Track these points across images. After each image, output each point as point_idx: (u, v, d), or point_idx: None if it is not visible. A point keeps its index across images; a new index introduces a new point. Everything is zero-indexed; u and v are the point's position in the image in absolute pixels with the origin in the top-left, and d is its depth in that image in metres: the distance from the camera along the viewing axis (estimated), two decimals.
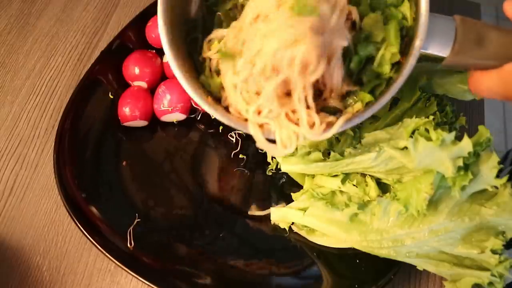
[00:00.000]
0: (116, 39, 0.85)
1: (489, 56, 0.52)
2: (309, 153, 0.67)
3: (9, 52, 0.95)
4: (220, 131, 0.82)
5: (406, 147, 0.56)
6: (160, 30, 0.55)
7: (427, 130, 0.55)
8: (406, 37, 0.54)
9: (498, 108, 1.65)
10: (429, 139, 0.54)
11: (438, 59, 0.53)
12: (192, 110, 0.81)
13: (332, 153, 0.66)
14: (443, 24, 0.51)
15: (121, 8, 1.01)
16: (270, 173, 0.78)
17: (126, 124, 0.80)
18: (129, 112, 0.79)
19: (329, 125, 0.51)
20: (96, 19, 1.00)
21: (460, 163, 0.54)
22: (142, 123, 0.81)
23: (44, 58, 0.94)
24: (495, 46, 0.50)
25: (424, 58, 0.53)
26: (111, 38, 0.87)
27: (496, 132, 1.63)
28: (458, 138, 0.55)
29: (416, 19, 0.51)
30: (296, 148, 0.62)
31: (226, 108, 0.55)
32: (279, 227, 0.71)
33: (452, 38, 0.51)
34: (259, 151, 0.78)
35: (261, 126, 0.52)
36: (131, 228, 0.70)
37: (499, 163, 0.57)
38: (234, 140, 0.81)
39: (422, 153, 0.54)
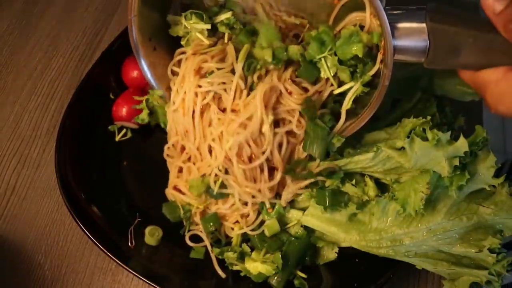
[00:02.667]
0: (117, 40, 0.86)
1: (466, 64, 0.52)
2: None
3: (11, 53, 0.95)
4: None
5: (403, 147, 0.57)
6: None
7: (424, 130, 0.55)
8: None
9: None
10: (425, 139, 0.54)
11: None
12: None
13: (331, 153, 0.66)
14: (415, 33, 0.52)
15: (122, 9, 1.01)
16: None
17: (118, 123, 0.81)
18: (119, 113, 0.80)
19: None
20: (97, 20, 1.00)
21: (456, 162, 0.54)
22: (132, 125, 0.81)
23: (46, 58, 0.95)
24: (471, 54, 0.50)
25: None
26: (112, 39, 0.87)
27: (494, 131, 1.63)
28: (457, 138, 0.55)
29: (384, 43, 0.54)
30: None
31: None
32: None
33: (425, 48, 0.52)
34: None
35: None
36: (132, 227, 0.71)
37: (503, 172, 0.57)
38: None
39: (418, 152, 0.55)
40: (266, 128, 0.63)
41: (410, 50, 0.53)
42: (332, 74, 0.63)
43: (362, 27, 0.61)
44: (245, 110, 0.63)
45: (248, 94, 0.64)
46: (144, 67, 0.70)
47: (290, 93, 0.64)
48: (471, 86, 0.54)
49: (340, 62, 0.61)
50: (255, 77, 0.64)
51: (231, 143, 0.63)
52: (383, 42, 0.56)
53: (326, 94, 0.65)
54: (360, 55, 0.59)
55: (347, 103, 0.63)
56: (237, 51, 0.65)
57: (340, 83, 0.64)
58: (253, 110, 0.62)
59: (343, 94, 0.64)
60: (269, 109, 0.63)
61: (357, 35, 0.59)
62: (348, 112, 0.64)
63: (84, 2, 1.03)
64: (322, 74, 0.63)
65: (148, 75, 0.71)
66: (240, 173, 0.65)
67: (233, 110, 0.65)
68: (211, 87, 0.64)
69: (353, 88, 0.62)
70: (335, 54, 0.61)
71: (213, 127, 0.66)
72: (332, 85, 0.64)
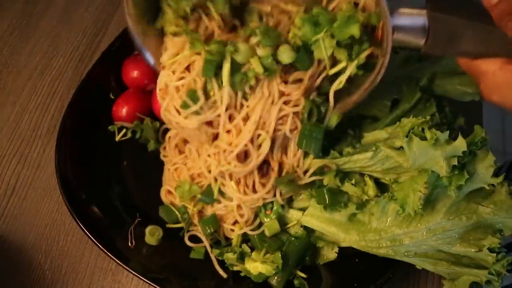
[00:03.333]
0: (117, 39, 0.86)
1: (464, 52, 0.52)
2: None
3: (11, 53, 0.96)
4: None
5: (402, 147, 0.57)
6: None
7: (422, 130, 0.55)
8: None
9: (496, 107, 1.64)
10: (423, 138, 0.54)
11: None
12: None
13: (331, 152, 0.66)
14: (415, 21, 0.52)
15: (122, 9, 1.00)
16: None
17: (118, 123, 0.81)
18: (119, 113, 0.80)
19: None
20: (97, 20, 1.00)
21: (455, 162, 0.54)
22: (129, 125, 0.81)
23: (46, 58, 0.95)
24: (470, 43, 0.51)
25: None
26: (112, 38, 0.87)
27: (494, 132, 1.63)
28: (456, 138, 0.55)
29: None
30: None
31: None
32: None
33: (424, 35, 0.52)
34: None
35: None
36: (132, 227, 0.71)
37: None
38: None
39: (417, 152, 0.55)
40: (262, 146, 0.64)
41: (409, 30, 0.52)
42: (328, 55, 0.61)
43: (356, 4, 0.60)
44: (238, 138, 0.63)
45: (241, 106, 0.63)
46: (137, 40, 0.68)
47: (288, 95, 0.63)
48: (467, 72, 0.54)
49: (337, 43, 0.60)
50: (246, 89, 0.62)
51: (227, 169, 0.64)
52: (381, 23, 0.56)
53: (320, 78, 0.64)
54: (357, 36, 0.58)
55: (337, 85, 0.62)
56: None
57: (333, 64, 0.63)
58: (247, 137, 0.62)
59: (337, 75, 0.63)
60: (267, 126, 0.63)
61: (354, 16, 0.57)
62: (341, 91, 0.63)
63: (84, 2, 1.03)
64: (318, 56, 0.61)
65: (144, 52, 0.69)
66: (232, 185, 0.66)
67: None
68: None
69: (347, 70, 0.61)
70: (332, 36, 0.60)
71: (207, 148, 0.66)
72: (324, 67, 0.63)
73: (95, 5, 1.02)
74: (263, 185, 0.67)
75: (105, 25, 0.99)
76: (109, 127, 0.80)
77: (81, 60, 0.94)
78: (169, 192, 0.74)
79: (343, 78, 0.62)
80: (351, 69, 0.60)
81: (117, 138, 0.80)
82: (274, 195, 0.68)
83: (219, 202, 0.69)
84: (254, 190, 0.67)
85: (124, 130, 0.81)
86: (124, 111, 0.80)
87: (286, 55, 0.60)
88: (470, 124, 0.58)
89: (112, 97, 0.83)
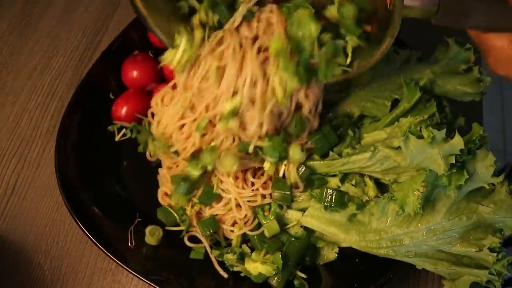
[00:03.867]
0: (117, 39, 0.86)
1: (475, 26, 0.53)
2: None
3: (11, 53, 0.95)
4: None
5: (400, 146, 0.56)
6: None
7: (420, 129, 0.55)
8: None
9: (496, 108, 1.65)
10: (420, 137, 0.54)
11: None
12: None
13: (330, 153, 0.66)
14: None
15: (121, 9, 1.01)
16: None
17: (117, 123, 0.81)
18: (119, 113, 0.80)
19: None
20: (97, 20, 1.00)
21: (452, 160, 0.54)
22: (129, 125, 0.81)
23: (46, 58, 0.95)
24: (481, 18, 0.51)
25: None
26: (112, 38, 0.87)
27: (494, 132, 1.64)
28: None
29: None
30: None
31: None
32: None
33: (435, 8, 0.51)
34: None
35: None
36: (132, 227, 0.71)
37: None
38: None
39: (414, 150, 0.55)
40: None
41: (421, 7, 0.52)
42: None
43: None
44: None
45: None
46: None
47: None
48: (477, 44, 0.55)
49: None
50: None
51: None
52: None
53: None
54: None
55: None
56: None
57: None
58: None
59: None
60: None
61: None
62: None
63: (84, 2, 1.03)
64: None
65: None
66: (231, 180, 0.67)
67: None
68: None
69: (350, 42, 0.61)
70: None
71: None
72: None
73: (95, 5, 1.02)
74: (260, 178, 0.68)
75: (105, 25, 0.99)
76: (109, 127, 0.80)
77: (81, 60, 0.94)
78: (166, 194, 0.73)
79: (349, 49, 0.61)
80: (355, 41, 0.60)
81: (117, 138, 0.80)
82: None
83: (218, 201, 0.69)
84: (252, 185, 0.68)
85: (124, 130, 0.80)
86: (123, 111, 0.80)
87: (297, 154, 0.66)
88: (470, 124, 0.58)
89: (112, 97, 0.83)
